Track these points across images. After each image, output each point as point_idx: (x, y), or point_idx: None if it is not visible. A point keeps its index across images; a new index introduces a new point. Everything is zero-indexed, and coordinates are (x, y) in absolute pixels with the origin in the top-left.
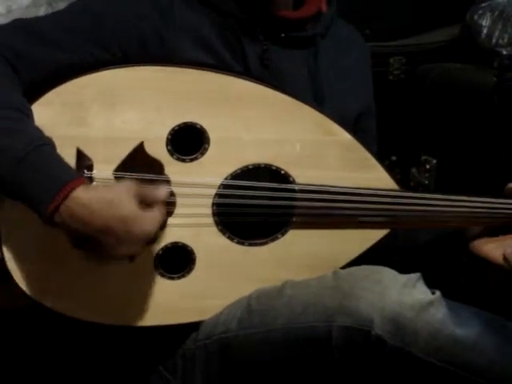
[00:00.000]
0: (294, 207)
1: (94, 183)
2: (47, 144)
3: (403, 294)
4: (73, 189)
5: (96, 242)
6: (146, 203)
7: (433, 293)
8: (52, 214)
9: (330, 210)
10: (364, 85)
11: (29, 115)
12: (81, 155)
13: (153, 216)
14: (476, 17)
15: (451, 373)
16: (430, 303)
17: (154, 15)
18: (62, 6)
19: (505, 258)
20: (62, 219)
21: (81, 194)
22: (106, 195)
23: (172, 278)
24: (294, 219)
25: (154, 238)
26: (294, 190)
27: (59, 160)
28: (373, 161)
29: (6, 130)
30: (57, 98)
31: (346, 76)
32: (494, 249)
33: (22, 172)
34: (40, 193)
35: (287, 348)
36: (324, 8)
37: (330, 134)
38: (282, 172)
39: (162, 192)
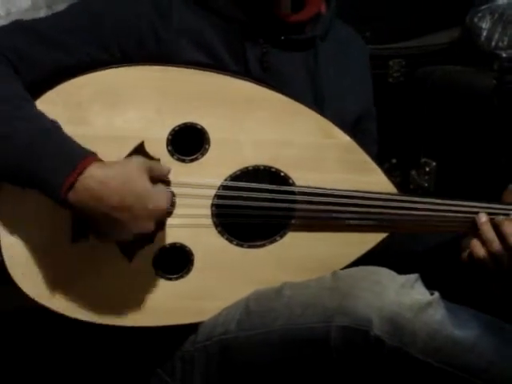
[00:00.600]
0: (293, 209)
1: None
2: (55, 126)
3: (402, 295)
4: (88, 165)
5: (109, 221)
6: (153, 178)
7: (431, 294)
8: (67, 192)
9: (329, 213)
10: (364, 86)
11: (32, 103)
12: None
13: (164, 192)
14: (476, 19)
15: (449, 374)
16: (429, 304)
17: (153, 16)
18: (61, 8)
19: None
20: (76, 197)
21: (96, 170)
22: (120, 172)
23: (170, 279)
24: (293, 221)
25: (165, 216)
26: (293, 193)
27: (69, 139)
28: (372, 164)
29: (14, 116)
30: (57, 98)
31: (346, 78)
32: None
33: (31, 155)
34: (54, 172)
35: (286, 349)
36: (323, 10)
37: (329, 137)
38: (282, 174)
39: (166, 168)
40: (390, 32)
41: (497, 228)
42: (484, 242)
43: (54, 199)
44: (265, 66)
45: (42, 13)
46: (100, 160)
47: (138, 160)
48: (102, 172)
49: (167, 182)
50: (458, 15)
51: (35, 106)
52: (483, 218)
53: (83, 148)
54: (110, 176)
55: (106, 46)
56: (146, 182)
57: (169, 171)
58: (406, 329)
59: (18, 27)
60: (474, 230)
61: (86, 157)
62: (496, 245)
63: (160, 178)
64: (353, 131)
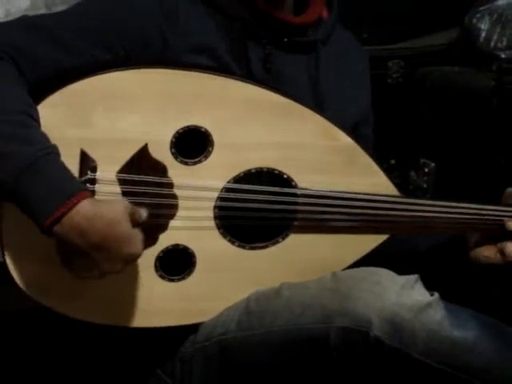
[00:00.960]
0: (295, 211)
1: (97, 185)
2: (54, 152)
3: (401, 296)
4: (80, 200)
5: (84, 257)
6: (134, 222)
7: (431, 294)
8: (54, 223)
9: (332, 215)
10: (363, 92)
11: (35, 117)
12: (85, 156)
13: (139, 239)
14: (475, 20)
15: (449, 374)
16: (429, 305)
17: (160, 16)
18: (60, 9)
19: (502, 253)
20: (61, 229)
21: (85, 206)
22: (107, 212)
23: (172, 280)
24: (296, 223)
25: (136, 260)
26: (295, 195)
27: (66, 170)
28: (375, 166)
29: (12, 135)
30: (61, 100)
31: (346, 82)
32: (493, 254)
33: (26, 179)
34: (44, 202)
35: (286, 349)
36: (325, 14)
37: (332, 139)
38: (285, 176)
39: (145, 212)
40: (389, 33)
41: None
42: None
43: (39, 227)
44: (267, 67)
45: (41, 13)
46: (91, 196)
47: (125, 203)
48: (91, 209)
49: (170, 185)
50: (456, 16)
51: (39, 124)
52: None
53: (77, 181)
54: (97, 215)
55: (110, 47)
56: (128, 226)
57: (148, 216)
58: (405, 329)
59: (23, 24)
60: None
61: (78, 191)
62: None
63: (140, 222)
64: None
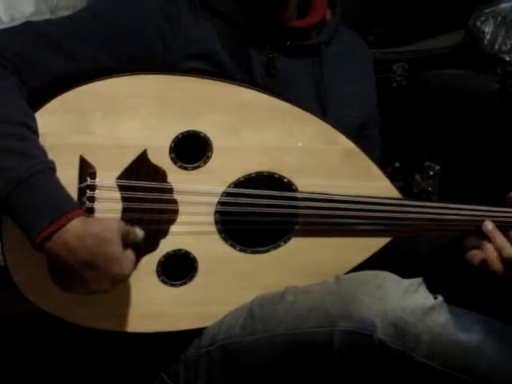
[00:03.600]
0: (296, 215)
1: (97, 191)
2: (50, 168)
3: (405, 299)
4: (72, 219)
5: (73, 274)
6: (126, 241)
7: (435, 297)
8: (45, 240)
9: (333, 219)
10: (367, 93)
11: (33, 128)
12: (84, 163)
13: (131, 259)
14: (479, 23)
15: (453, 377)
16: (432, 308)
17: (162, 23)
18: (64, 14)
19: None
20: (52, 246)
21: (77, 224)
22: (99, 231)
23: (174, 285)
24: (297, 227)
25: (125, 280)
26: (296, 198)
27: (60, 187)
28: (376, 170)
29: (9, 149)
30: (60, 106)
31: (350, 84)
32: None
33: (20, 194)
34: (36, 217)
35: (290, 353)
36: (328, 16)
37: (333, 143)
38: (285, 180)
39: (140, 232)
40: (393, 36)
41: (506, 233)
42: (496, 248)
43: (30, 242)
44: (270, 72)
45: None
46: (84, 214)
47: (118, 222)
48: (83, 228)
49: (170, 190)
50: (461, 19)
51: (37, 135)
52: (489, 225)
53: (71, 199)
54: (88, 233)
55: (113, 54)
56: (119, 246)
57: (142, 237)
58: (409, 333)
59: (27, 30)
60: (484, 235)
61: (71, 209)
62: (508, 249)
63: (133, 242)
64: (356, 137)
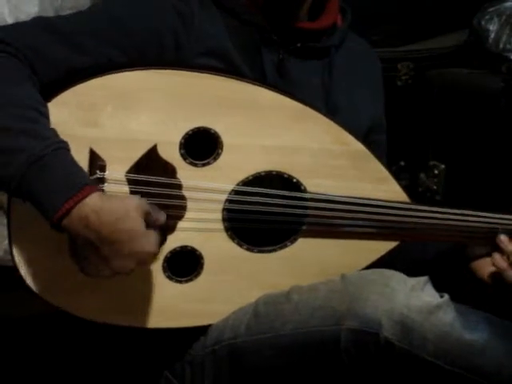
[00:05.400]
0: (304, 216)
1: (106, 184)
2: (64, 148)
3: (411, 297)
4: (89, 193)
5: (95, 251)
6: (148, 223)
7: (441, 296)
8: (63, 216)
9: (340, 220)
10: (375, 99)
11: (45, 114)
12: (94, 156)
13: (154, 237)
14: (483, 22)
15: (459, 376)
16: (439, 306)
17: (174, 19)
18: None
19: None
20: (70, 222)
21: (94, 199)
22: (117, 207)
23: (180, 282)
24: (304, 228)
25: (149, 260)
26: (304, 199)
27: (75, 164)
28: (385, 172)
29: (22, 130)
30: (72, 99)
31: (358, 89)
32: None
33: (35, 174)
34: (53, 196)
35: (296, 352)
36: (339, 22)
37: (343, 144)
38: (294, 180)
39: (163, 216)
40: (398, 35)
41: None
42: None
43: (48, 221)
44: (281, 72)
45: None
46: (101, 190)
47: (138, 200)
48: (100, 202)
49: (179, 186)
50: (465, 18)
51: (49, 121)
52: (504, 239)
53: (86, 175)
54: (105, 208)
55: (124, 49)
56: (138, 223)
57: (165, 219)
58: (415, 331)
59: (40, 24)
60: (494, 244)
61: (86, 185)
62: None
63: (155, 225)
64: (363, 142)
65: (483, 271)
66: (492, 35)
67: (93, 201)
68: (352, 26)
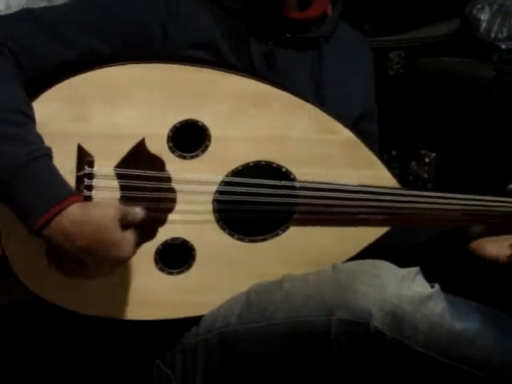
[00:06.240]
0: (294, 204)
1: (95, 180)
2: (47, 155)
3: (402, 288)
4: (69, 205)
5: (72, 259)
6: (125, 223)
7: (432, 286)
8: (42, 227)
9: (331, 208)
10: (366, 88)
11: (31, 117)
12: (82, 151)
13: (130, 240)
14: (475, 11)
15: (450, 366)
16: (429, 297)
17: (162, 10)
18: (60, 1)
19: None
20: (49, 232)
21: (74, 210)
22: (96, 217)
23: (172, 273)
24: (295, 216)
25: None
26: (294, 187)
27: (57, 174)
28: (375, 160)
29: (6, 135)
30: (59, 94)
31: (349, 79)
32: (495, 249)
33: (17, 181)
34: (34, 204)
35: (287, 342)
36: (329, 11)
37: (333, 133)
38: (283, 169)
39: (140, 211)
40: (390, 24)
41: None
42: None
43: (28, 229)
44: (269, 63)
45: (42, 6)
46: (81, 200)
47: (115, 207)
48: (80, 213)
49: (168, 179)
50: (457, 7)
51: (34, 123)
52: None
53: (68, 185)
54: (85, 220)
55: (108, 40)
56: (117, 231)
57: (142, 217)
58: (406, 322)
59: (25, 16)
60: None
61: (69, 195)
62: None
63: (133, 223)
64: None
65: (483, 250)
66: (483, 24)
67: (73, 213)
68: (343, 16)
